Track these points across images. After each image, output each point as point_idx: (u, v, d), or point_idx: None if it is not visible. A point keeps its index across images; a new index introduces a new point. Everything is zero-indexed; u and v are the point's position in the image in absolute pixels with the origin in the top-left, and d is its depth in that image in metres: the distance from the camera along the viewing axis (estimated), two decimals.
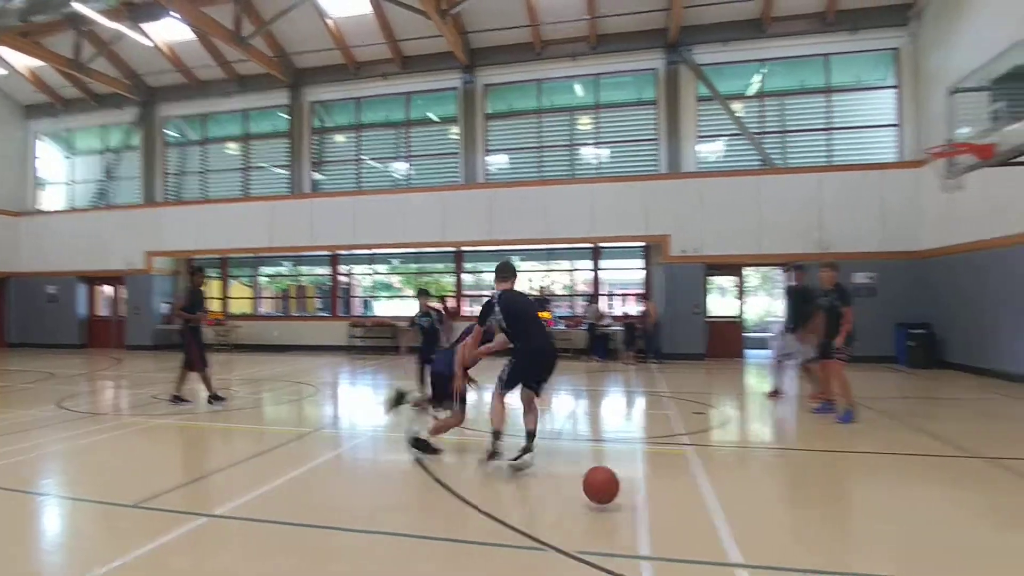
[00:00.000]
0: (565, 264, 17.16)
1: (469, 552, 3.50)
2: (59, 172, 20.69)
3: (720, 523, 3.83)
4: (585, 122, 16.29)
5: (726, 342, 14.68)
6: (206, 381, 8.27)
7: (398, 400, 6.69)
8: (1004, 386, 9.76)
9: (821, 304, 7.21)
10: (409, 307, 13.61)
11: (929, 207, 12.70)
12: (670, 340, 14.36)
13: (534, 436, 5.01)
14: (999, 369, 10.56)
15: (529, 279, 16.90)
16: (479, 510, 4.08)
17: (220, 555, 3.47)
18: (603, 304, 16.26)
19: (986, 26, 10.75)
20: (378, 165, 17.68)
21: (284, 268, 19.56)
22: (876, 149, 14.33)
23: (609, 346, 14.82)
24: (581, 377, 11.66)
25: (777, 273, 16.18)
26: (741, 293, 15.39)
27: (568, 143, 16.31)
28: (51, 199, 20.66)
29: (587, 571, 3.16)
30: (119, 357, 15.72)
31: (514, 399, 5.17)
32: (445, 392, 5.58)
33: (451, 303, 15.96)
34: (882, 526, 3.89)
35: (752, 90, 15.24)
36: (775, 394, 8.60)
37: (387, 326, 16.33)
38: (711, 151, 15.45)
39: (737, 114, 14.92)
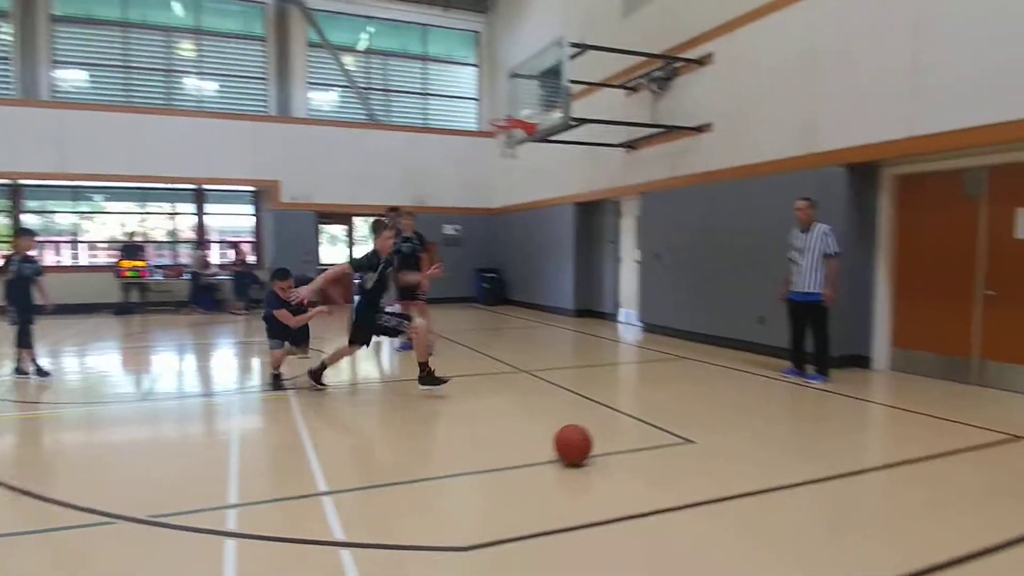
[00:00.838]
0: (166, 207, 15.04)
1: (21, 543, 2.99)
2: None
3: (312, 457, 4.17)
4: (187, 47, 14.28)
5: (339, 288, 15.22)
6: None
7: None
8: (545, 317, 12.82)
9: (403, 249, 8.14)
10: None
11: (499, 172, 15.39)
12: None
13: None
14: (542, 304, 13.78)
15: (122, 223, 14.49)
16: (30, 493, 3.48)
17: None
18: (212, 252, 14.89)
19: (540, 24, 13.36)
20: None
21: None
22: (463, 117, 16.54)
23: (217, 297, 13.77)
24: (184, 331, 10.64)
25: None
26: (351, 241, 16.06)
27: (165, 67, 14.07)
28: None
29: (164, 534, 3.05)
30: None
31: None
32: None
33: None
34: (453, 432, 4.83)
35: (361, 46, 15.67)
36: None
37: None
38: (323, 100, 15.42)
39: (348, 67, 15.19)
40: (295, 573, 2.71)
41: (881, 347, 7.09)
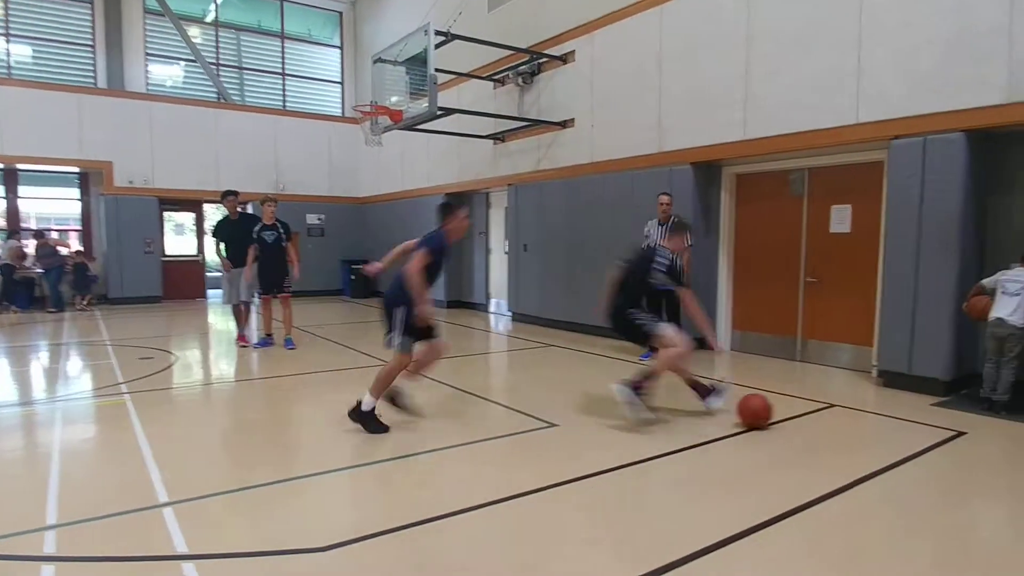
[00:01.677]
0: None
1: None
2: None
3: (152, 467, 3.76)
4: None
5: (186, 283, 13.96)
6: None
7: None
8: None
9: (266, 239, 7.63)
10: None
11: (365, 160, 14.89)
12: (119, 282, 12.71)
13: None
14: None
15: None
16: None
17: None
18: (26, 242, 12.91)
19: (406, 9, 13.02)
20: None
21: None
22: (326, 102, 15.79)
23: (36, 293, 12.04)
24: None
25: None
26: (200, 230, 14.73)
27: None
28: None
29: None
30: None
31: None
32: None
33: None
34: (314, 430, 4.58)
35: (209, 17, 14.36)
36: (242, 339, 8.12)
37: None
38: (166, 74, 13.97)
39: (194, 40, 13.86)
40: None
41: (724, 329, 7.79)
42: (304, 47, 15.53)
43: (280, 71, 15.10)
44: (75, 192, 13.56)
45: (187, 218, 14.91)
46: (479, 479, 3.64)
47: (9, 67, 12.38)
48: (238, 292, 8.03)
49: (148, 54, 13.53)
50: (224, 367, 7.26)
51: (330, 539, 2.80)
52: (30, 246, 12.05)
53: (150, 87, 13.57)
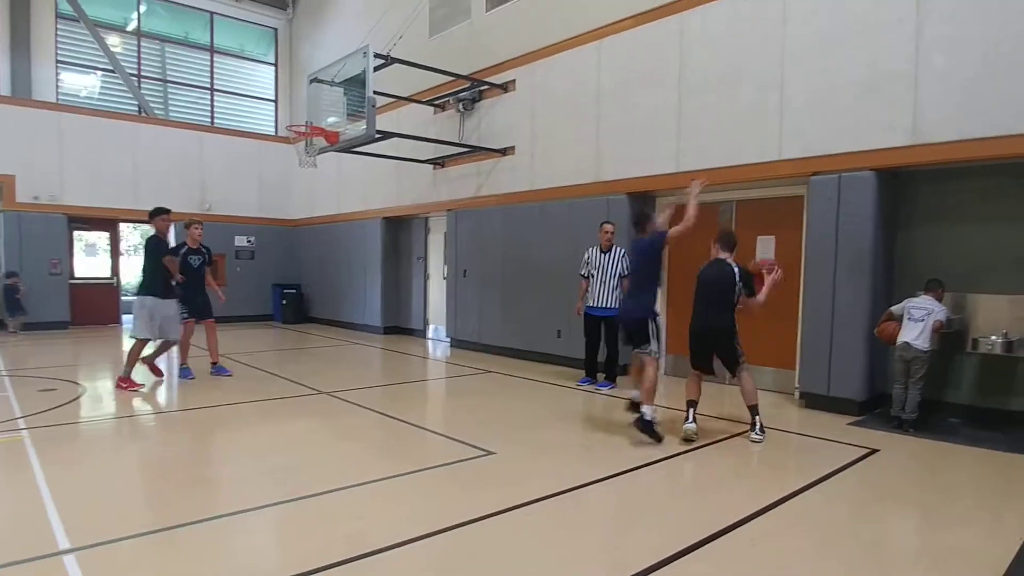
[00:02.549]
0: None
1: None
2: None
3: (52, 510, 3.39)
4: None
5: (98, 307, 13.02)
6: None
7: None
8: (351, 335, 12.26)
9: (191, 263, 7.23)
10: None
11: (298, 181, 14.48)
12: (23, 306, 11.71)
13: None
14: (346, 320, 13.19)
15: None
16: None
17: None
18: None
19: (344, 30, 12.91)
20: None
21: None
22: (257, 119, 15.31)
23: None
24: None
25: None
26: (116, 252, 13.80)
27: None
28: None
29: None
30: None
31: None
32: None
33: None
34: (244, 464, 4.28)
35: (131, 26, 13.71)
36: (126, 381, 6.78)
37: None
38: (79, 84, 13.17)
39: (113, 48, 13.18)
40: None
41: (661, 355, 7.94)
42: (236, 62, 15.06)
43: (208, 86, 14.55)
44: None
45: (100, 237, 13.95)
46: (415, 511, 3.50)
47: None
48: (155, 328, 6.84)
49: (60, 61, 12.74)
50: (138, 400, 6.74)
51: None
52: None
53: (61, 97, 12.75)
